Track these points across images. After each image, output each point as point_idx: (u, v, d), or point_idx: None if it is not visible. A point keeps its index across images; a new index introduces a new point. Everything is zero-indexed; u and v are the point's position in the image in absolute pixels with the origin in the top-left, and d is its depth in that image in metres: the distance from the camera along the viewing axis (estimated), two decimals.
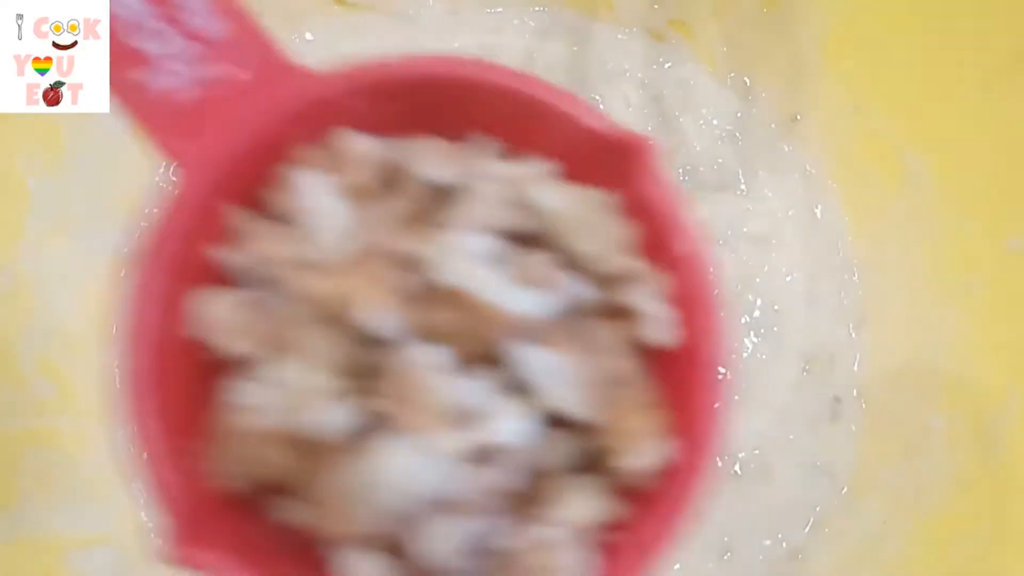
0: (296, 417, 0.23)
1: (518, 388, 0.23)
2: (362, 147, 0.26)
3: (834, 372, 0.45)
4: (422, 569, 0.23)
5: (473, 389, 0.23)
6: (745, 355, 0.45)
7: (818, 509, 0.43)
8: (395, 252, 0.24)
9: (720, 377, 0.24)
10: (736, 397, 0.42)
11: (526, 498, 0.24)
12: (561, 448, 0.24)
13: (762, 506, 0.43)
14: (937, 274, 0.43)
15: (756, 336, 0.45)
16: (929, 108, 0.43)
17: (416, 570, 0.23)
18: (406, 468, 0.22)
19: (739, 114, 0.47)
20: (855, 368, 0.45)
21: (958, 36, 0.42)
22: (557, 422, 0.24)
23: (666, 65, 0.47)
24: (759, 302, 0.46)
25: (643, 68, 0.47)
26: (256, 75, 0.26)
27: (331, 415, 0.22)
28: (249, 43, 0.26)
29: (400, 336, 0.23)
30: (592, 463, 0.25)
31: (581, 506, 0.23)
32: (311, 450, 0.23)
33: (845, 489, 0.43)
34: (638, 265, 0.25)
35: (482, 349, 0.23)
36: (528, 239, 0.25)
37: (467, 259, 0.23)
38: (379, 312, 0.23)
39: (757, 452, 0.44)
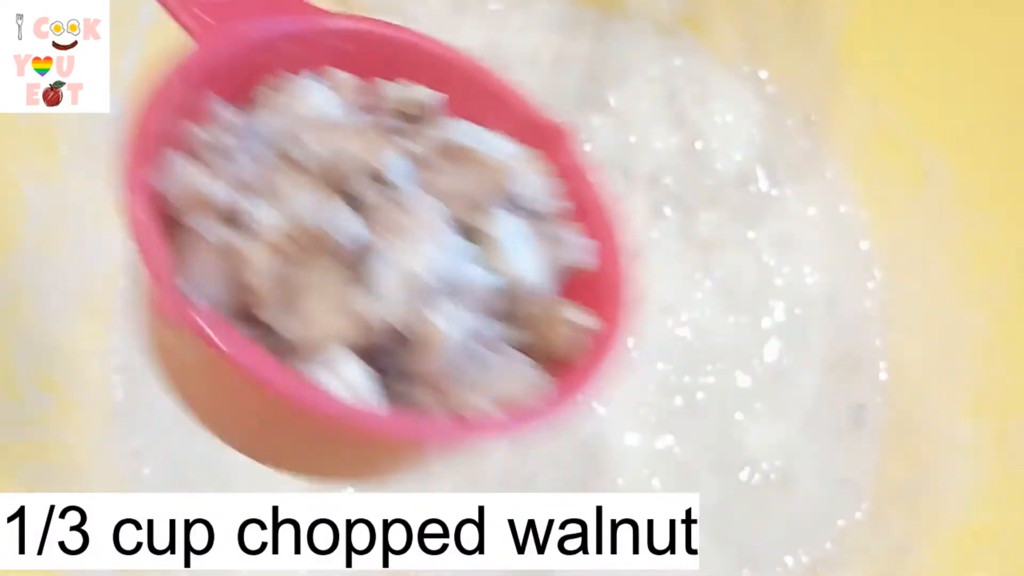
0: (304, 223, 0.24)
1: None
2: (348, 80, 0.29)
3: (858, 378, 0.44)
4: (403, 375, 0.26)
5: (458, 241, 0.26)
6: (766, 361, 0.44)
7: (840, 523, 0.42)
8: (395, 126, 0.28)
9: (624, 284, 0.30)
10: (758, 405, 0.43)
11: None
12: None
13: (783, 520, 0.42)
14: (960, 277, 0.42)
15: (778, 340, 0.44)
16: (949, 106, 0.42)
17: (398, 375, 0.26)
18: (411, 265, 0.24)
19: (757, 111, 0.46)
20: (879, 374, 0.44)
21: (977, 32, 0.41)
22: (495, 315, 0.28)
23: (679, 62, 0.46)
24: (781, 306, 0.45)
25: (656, 64, 0.46)
26: None
27: (349, 220, 0.24)
28: None
29: (405, 184, 0.26)
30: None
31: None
32: (302, 260, 0.25)
33: (867, 502, 0.42)
34: (566, 206, 0.30)
35: (469, 217, 0.27)
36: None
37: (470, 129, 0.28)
38: (389, 156, 0.26)
39: (778, 463, 0.43)
